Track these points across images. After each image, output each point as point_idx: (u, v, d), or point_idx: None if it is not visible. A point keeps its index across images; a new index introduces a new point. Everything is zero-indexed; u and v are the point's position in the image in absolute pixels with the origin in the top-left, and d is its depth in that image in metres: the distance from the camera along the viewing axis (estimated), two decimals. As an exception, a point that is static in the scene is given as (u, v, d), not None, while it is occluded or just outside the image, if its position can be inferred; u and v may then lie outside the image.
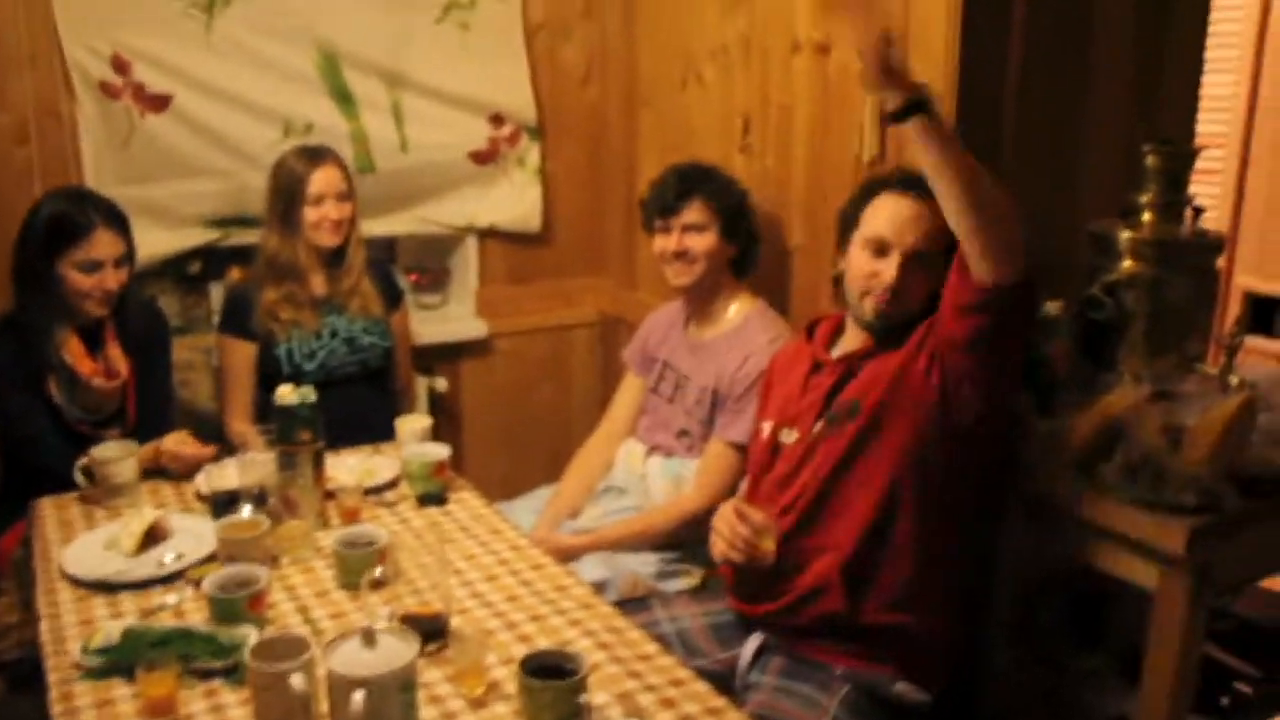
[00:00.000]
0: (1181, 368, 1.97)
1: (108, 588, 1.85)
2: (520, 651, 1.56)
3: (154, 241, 2.90)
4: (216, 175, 3.02)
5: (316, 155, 2.74)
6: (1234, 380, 1.88)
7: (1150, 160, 2.06)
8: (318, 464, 2.08)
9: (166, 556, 1.93)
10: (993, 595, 2.12)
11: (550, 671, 1.42)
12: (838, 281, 2.09)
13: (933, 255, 1.95)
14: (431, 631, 1.62)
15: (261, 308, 2.72)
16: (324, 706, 1.42)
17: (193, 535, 2.00)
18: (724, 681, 1.95)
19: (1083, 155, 2.31)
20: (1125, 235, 2.05)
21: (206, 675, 1.57)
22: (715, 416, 2.46)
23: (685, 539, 2.41)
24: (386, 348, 2.88)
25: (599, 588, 2.13)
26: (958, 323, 1.82)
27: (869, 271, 1.99)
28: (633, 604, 2.17)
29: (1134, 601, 1.92)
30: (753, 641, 2.01)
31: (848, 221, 2.07)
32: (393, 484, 2.31)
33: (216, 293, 3.12)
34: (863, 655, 1.92)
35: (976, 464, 1.94)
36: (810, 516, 1.96)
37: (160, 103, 2.92)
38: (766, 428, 2.12)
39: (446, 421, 3.38)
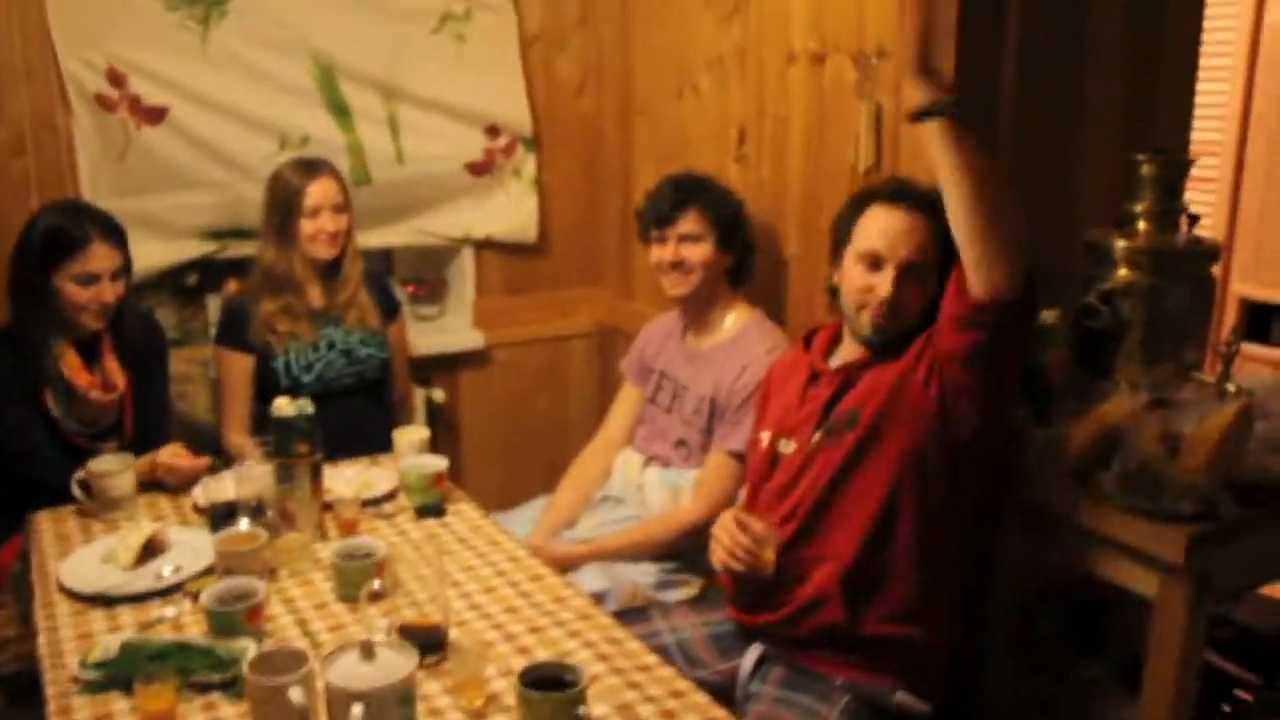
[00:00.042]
0: (1178, 376, 1.98)
1: (105, 601, 1.85)
2: (519, 663, 1.55)
3: (151, 254, 2.90)
4: (213, 187, 3.02)
5: (312, 167, 2.74)
6: (1231, 388, 1.88)
7: (1145, 169, 2.07)
8: (315, 476, 2.08)
9: (164, 569, 1.93)
10: (991, 604, 2.12)
11: (549, 683, 1.42)
12: (834, 293, 2.09)
13: (927, 267, 1.95)
14: (430, 644, 1.62)
15: (258, 320, 2.72)
16: (323, 719, 1.41)
17: (190, 548, 2.00)
18: (724, 692, 1.95)
19: (1078, 164, 2.31)
20: (1121, 244, 2.06)
21: (205, 688, 1.57)
22: (713, 426, 2.47)
23: (684, 549, 2.41)
24: (384, 359, 2.88)
25: (598, 598, 2.13)
26: (955, 336, 1.82)
27: (864, 286, 1.98)
28: (632, 614, 2.17)
29: (1134, 609, 1.92)
30: (753, 652, 2.01)
31: (840, 235, 2.06)
32: (391, 496, 2.30)
33: (213, 305, 3.12)
34: (863, 666, 1.92)
35: (974, 474, 1.94)
36: (809, 526, 1.96)
37: (156, 115, 2.92)
38: (765, 438, 2.11)
39: (444, 432, 3.38)
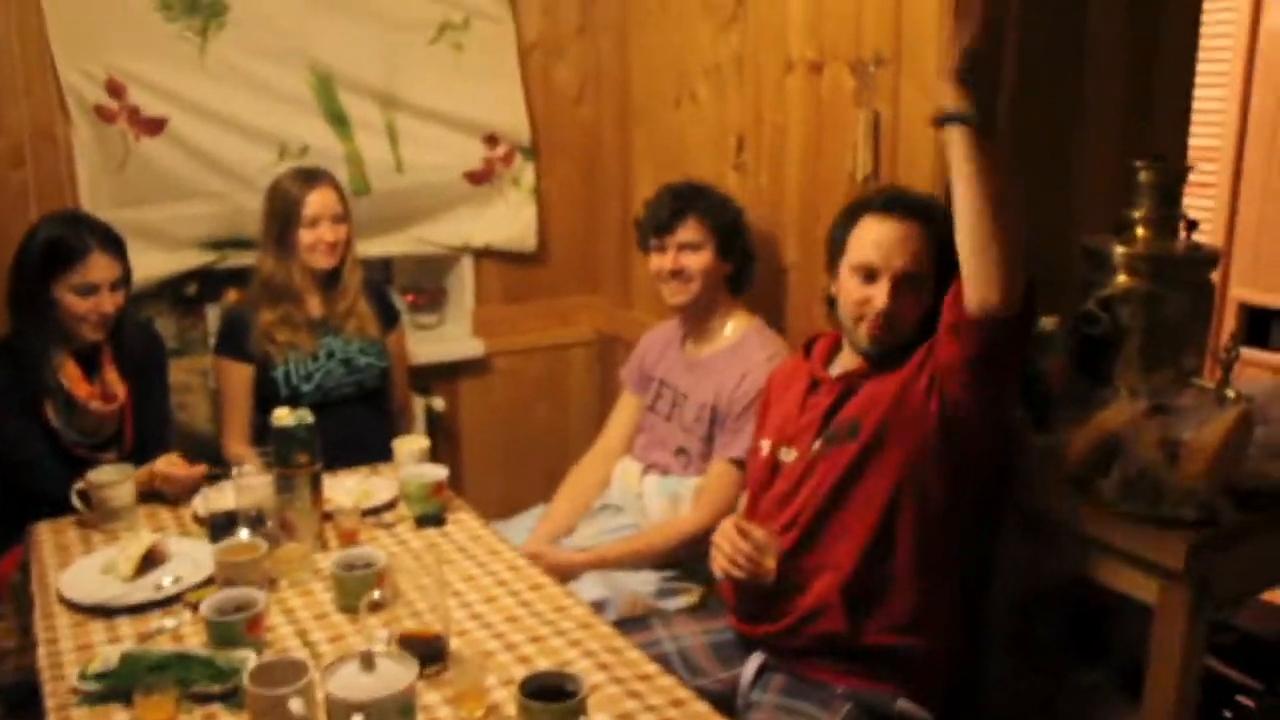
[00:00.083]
0: (1178, 382, 1.98)
1: (105, 612, 1.84)
2: (520, 673, 1.55)
3: (150, 264, 2.90)
4: (212, 198, 3.02)
5: (311, 177, 2.75)
6: (1230, 394, 1.88)
7: (1143, 176, 2.07)
8: (315, 486, 2.08)
9: (164, 580, 1.93)
10: (991, 610, 2.12)
11: (550, 693, 1.42)
12: (831, 304, 2.09)
13: (923, 277, 1.95)
14: (431, 654, 1.62)
15: (258, 329, 2.72)
16: (323, 730, 1.42)
17: (190, 558, 2.00)
18: (725, 701, 1.95)
19: (1076, 169, 2.32)
20: (1120, 250, 2.06)
21: (205, 699, 1.56)
22: (714, 434, 2.46)
23: (684, 557, 2.40)
24: (383, 368, 2.88)
25: (598, 607, 2.13)
26: (953, 345, 1.81)
27: (860, 298, 1.98)
28: (633, 623, 2.17)
29: (1135, 615, 1.92)
30: (754, 660, 2.01)
31: (835, 246, 2.06)
32: (391, 505, 2.30)
33: (213, 315, 3.12)
34: (864, 675, 1.91)
35: (974, 480, 1.94)
36: (810, 535, 1.96)
37: (155, 126, 2.93)
38: (765, 446, 2.11)
39: (444, 441, 3.39)
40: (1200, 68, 2.51)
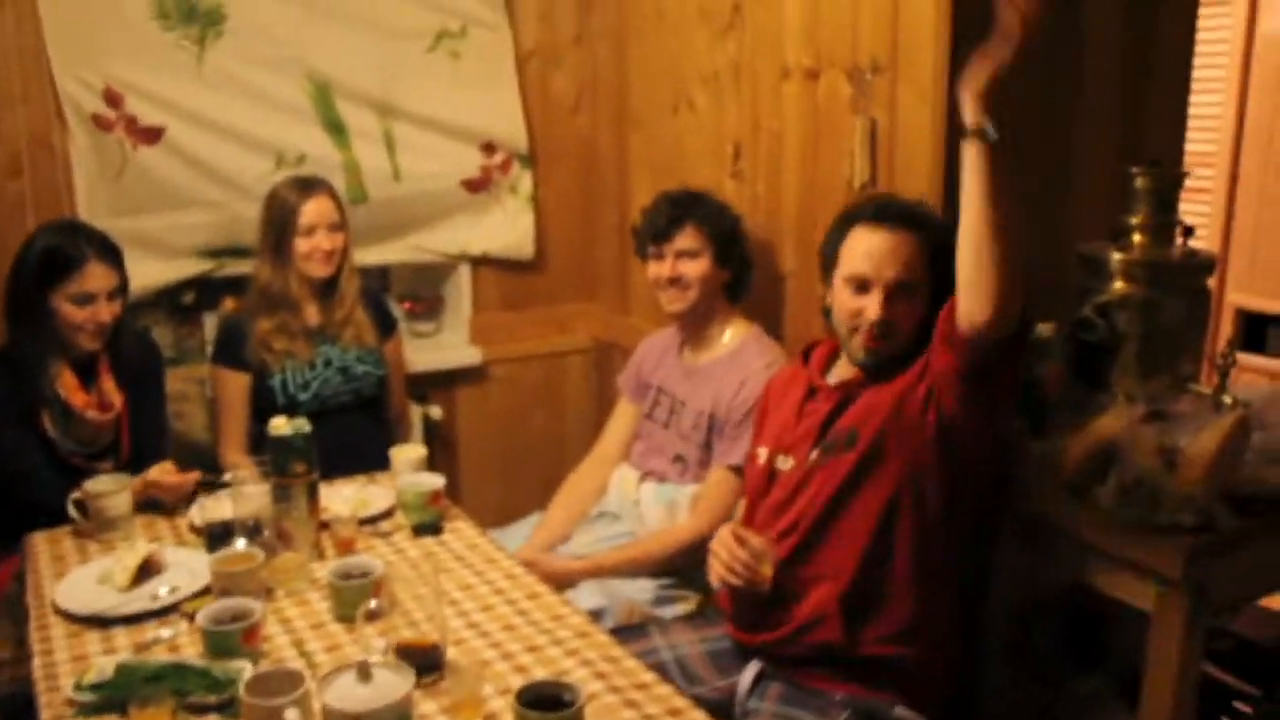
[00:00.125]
0: (1175, 388, 1.98)
1: (101, 622, 1.84)
2: (517, 682, 1.55)
3: (147, 272, 2.91)
4: (209, 206, 3.02)
5: (308, 186, 2.75)
6: (1227, 400, 1.88)
7: (1140, 182, 2.08)
8: (312, 496, 2.07)
9: (161, 590, 1.92)
10: (989, 617, 2.11)
11: (547, 702, 1.41)
12: (827, 314, 2.08)
13: (916, 285, 1.95)
14: (428, 663, 1.61)
15: (255, 338, 2.72)
16: (319, 741, 1.41)
17: (187, 568, 2.00)
18: (723, 709, 1.95)
19: (1073, 176, 2.32)
20: (1116, 257, 2.06)
21: (201, 710, 1.56)
22: (712, 441, 2.46)
23: (682, 564, 2.40)
24: (380, 376, 2.88)
25: (596, 615, 2.13)
26: (947, 356, 1.81)
27: (853, 309, 1.97)
28: (630, 631, 2.16)
29: (1133, 622, 1.92)
30: (751, 668, 2.00)
31: (827, 258, 2.06)
32: (388, 514, 2.30)
33: (210, 323, 3.13)
34: (861, 683, 1.91)
35: (972, 489, 1.94)
36: (807, 544, 1.96)
37: (153, 135, 2.93)
38: (762, 454, 2.11)
39: (442, 449, 3.39)
40: (1196, 73, 2.52)
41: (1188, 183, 2.15)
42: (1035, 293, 1.77)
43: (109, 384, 2.46)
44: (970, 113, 1.67)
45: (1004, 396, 1.86)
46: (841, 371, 2.08)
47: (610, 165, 3.49)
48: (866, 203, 2.10)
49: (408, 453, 2.42)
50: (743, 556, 1.91)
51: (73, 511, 2.20)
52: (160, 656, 1.71)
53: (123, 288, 2.45)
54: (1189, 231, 2.09)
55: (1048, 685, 2.18)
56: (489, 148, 3.36)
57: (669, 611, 2.36)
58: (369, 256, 3.19)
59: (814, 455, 1.99)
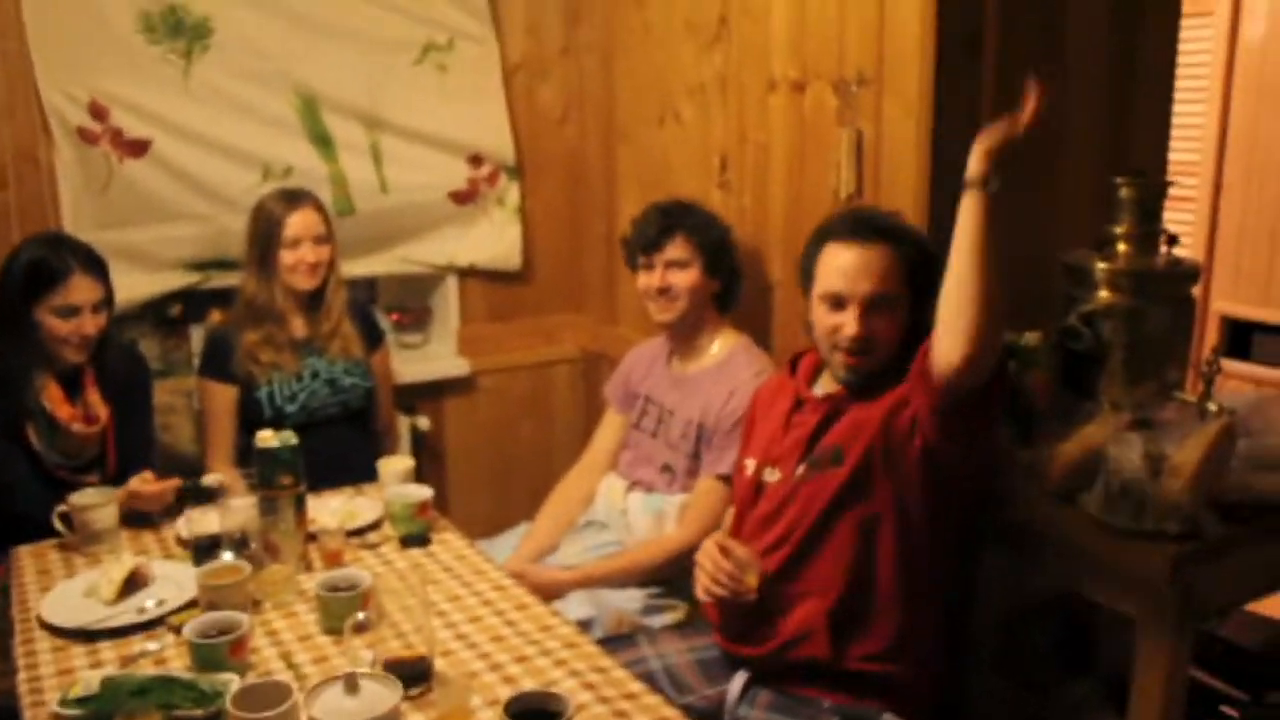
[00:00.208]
0: (1161, 396, 1.98)
1: (87, 636, 1.83)
2: (505, 693, 1.55)
3: (134, 285, 2.90)
4: (196, 219, 3.02)
5: (294, 198, 2.74)
6: (1213, 407, 1.89)
7: (1124, 192, 2.09)
8: (299, 508, 2.07)
9: (147, 603, 1.91)
10: (976, 626, 2.12)
11: (535, 714, 1.41)
12: (810, 329, 2.08)
13: (893, 297, 1.95)
14: (415, 675, 1.61)
15: (242, 350, 2.71)
16: (307, 753, 1.41)
17: (173, 581, 1.99)
18: (713, 717, 1.95)
19: (1057, 187, 2.33)
20: (1101, 266, 2.07)
21: (188, 724, 1.55)
22: (700, 451, 2.46)
23: (670, 574, 2.40)
24: (368, 388, 2.87)
25: (584, 626, 2.12)
26: (920, 400, 1.82)
27: (830, 326, 1.97)
28: (619, 641, 2.16)
29: (1121, 629, 1.92)
30: (740, 676, 2.00)
31: (805, 275, 2.06)
32: (375, 525, 2.30)
33: (197, 335, 3.12)
34: (849, 693, 1.91)
35: (958, 506, 1.94)
36: (796, 560, 1.95)
37: (139, 148, 2.93)
38: (750, 465, 2.11)
39: (430, 460, 3.38)
40: (1179, 83, 2.54)
41: (1172, 192, 2.17)
42: (1021, 303, 1.79)
43: (95, 397, 2.46)
44: (976, 163, 1.72)
45: (984, 429, 1.85)
46: (827, 384, 2.08)
47: (597, 177, 3.50)
48: (840, 218, 2.09)
49: (395, 464, 2.42)
50: (727, 567, 1.91)
51: (58, 525, 2.19)
52: (147, 670, 1.70)
53: (108, 300, 2.44)
54: (1173, 240, 2.10)
55: (1036, 692, 2.18)
56: (476, 160, 3.37)
57: (657, 621, 2.36)
58: (356, 268, 3.19)
59: (800, 470, 1.99)
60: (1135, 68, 2.40)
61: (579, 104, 3.52)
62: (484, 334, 3.53)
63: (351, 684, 1.41)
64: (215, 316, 3.06)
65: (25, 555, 2.19)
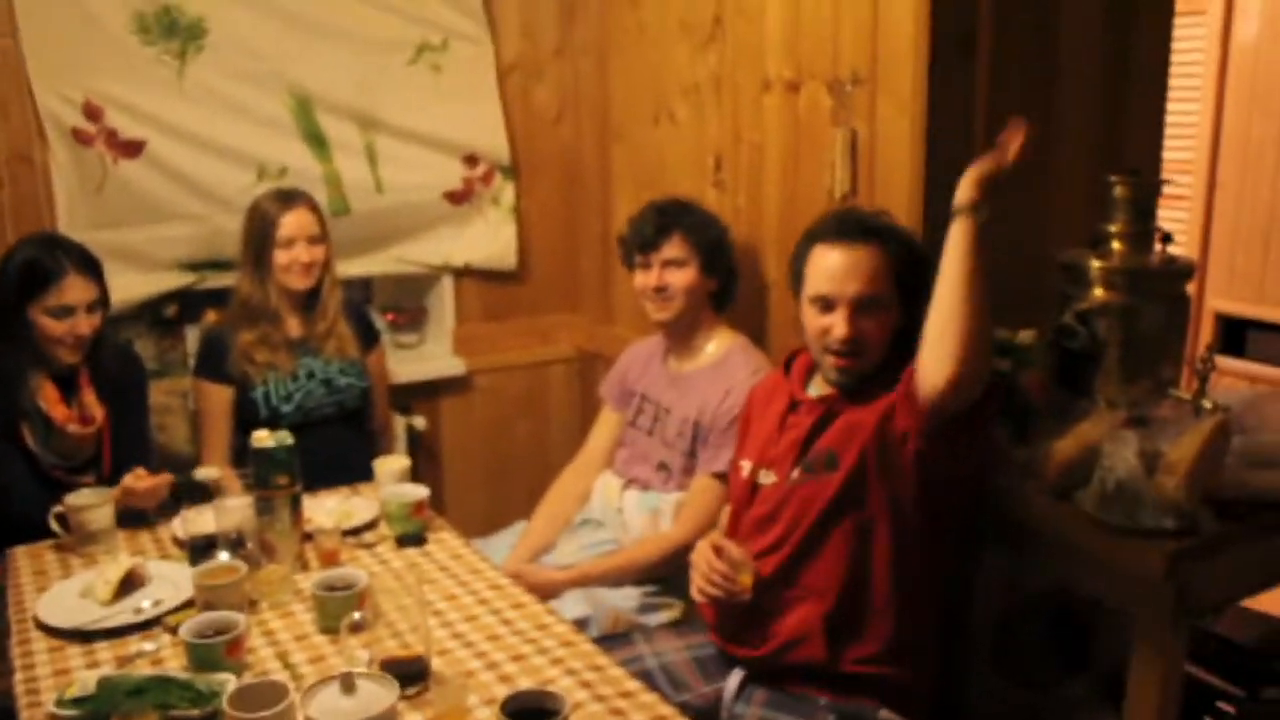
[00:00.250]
0: (1156, 393, 1.99)
1: (83, 636, 1.83)
2: (502, 692, 1.54)
3: (129, 285, 2.90)
4: (191, 220, 3.02)
5: (288, 198, 2.74)
6: (1207, 404, 1.89)
7: (1118, 190, 2.09)
8: (295, 508, 2.07)
9: (143, 603, 1.91)
10: (973, 623, 2.12)
11: (532, 712, 1.41)
12: (802, 331, 2.09)
13: (881, 298, 1.95)
14: (412, 674, 1.61)
15: (237, 350, 2.71)
16: (304, 753, 1.41)
17: (170, 581, 1.99)
18: (709, 715, 1.96)
19: (1052, 186, 2.33)
20: (1096, 264, 2.07)
21: (184, 724, 1.55)
22: (696, 449, 2.47)
23: (666, 572, 2.40)
24: (364, 388, 2.87)
25: (580, 624, 2.12)
26: (905, 421, 1.83)
27: (819, 328, 1.97)
28: (615, 639, 2.16)
29: (1117, 625, 1.93)
30: (736, 674, 2.01)
31: (795, 278, 2.06)
32: (372, 525, 2.30)
33: (192, 336, 3.12)
34: (846, 692, 1.91)
35: (953, 506, 1.94)
36: (792, 564, 1.95)
37: (133, 149, 2.92)
38: (746, 466, 2.11)
39: (426, 459, 3.38)
40: (1173, 82, 2.54)
41: (1166, 190, 2.17)
42: (1016, 301, 1.80)
43: (90, 397, 2.45)
44: (967, 190, 1.75)
45: (975, 445, 1.85)
46: (821, 385, 2.07)
47: (592, 176, 3.50)
48: (827, 219, 2.09)
49: (391, 464, 2.42)
50: (720, 568, 1.91)
51: (54, 525, 2.19)
52: (143, 670, 1.70)
53: (102, 301, 2.44)
54: (1167, 238, 2.11)
55: (1033, 688, 2.19)
56: (471, 160, 3.37)
57: (653, 619, 2.36)
58: (351, 268, 3.19)
59: (795, 474, 1.99)
60: (1129, 67, 2.40)
61: (574, 104, 3.52)
62: (479, 334, 3.53)
63: (348, 684, 1.41)
64: (210, 317, 3.05)
65: (21, 556, 2.19)
